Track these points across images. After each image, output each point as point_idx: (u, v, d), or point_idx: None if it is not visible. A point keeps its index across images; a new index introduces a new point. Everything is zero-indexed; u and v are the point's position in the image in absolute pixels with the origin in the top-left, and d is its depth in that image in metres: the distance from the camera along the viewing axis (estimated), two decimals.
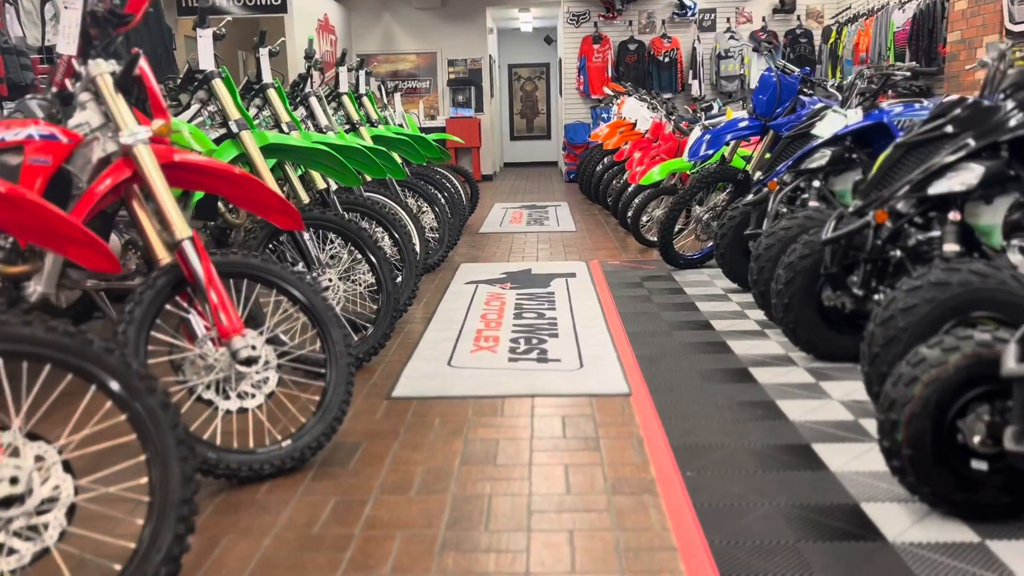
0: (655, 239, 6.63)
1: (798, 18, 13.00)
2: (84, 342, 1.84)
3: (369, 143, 5.17)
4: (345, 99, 5.70)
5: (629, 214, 7.18)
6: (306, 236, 3.71)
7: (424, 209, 6.33)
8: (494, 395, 3.39)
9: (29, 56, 5.72)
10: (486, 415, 3.17)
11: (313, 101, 5.02)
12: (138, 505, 1.87)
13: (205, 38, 3.52)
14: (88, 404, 1.86)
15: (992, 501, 2.20)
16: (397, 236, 4.37)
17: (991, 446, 2.15)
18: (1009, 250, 2.86)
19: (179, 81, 3.95)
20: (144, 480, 1.87)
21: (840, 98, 4.79)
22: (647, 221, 6.92)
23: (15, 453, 1.72)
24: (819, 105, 4.72)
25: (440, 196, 6.37)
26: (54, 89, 2.85)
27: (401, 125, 7.74)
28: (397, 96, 8.36)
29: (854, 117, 4.30)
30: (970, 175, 2.84)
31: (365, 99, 6.25)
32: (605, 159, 9.44)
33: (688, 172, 6.46)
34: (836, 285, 3.41)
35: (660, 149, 7.44)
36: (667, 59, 13.13)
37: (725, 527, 2.25)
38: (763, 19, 13.06)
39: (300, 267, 3.75)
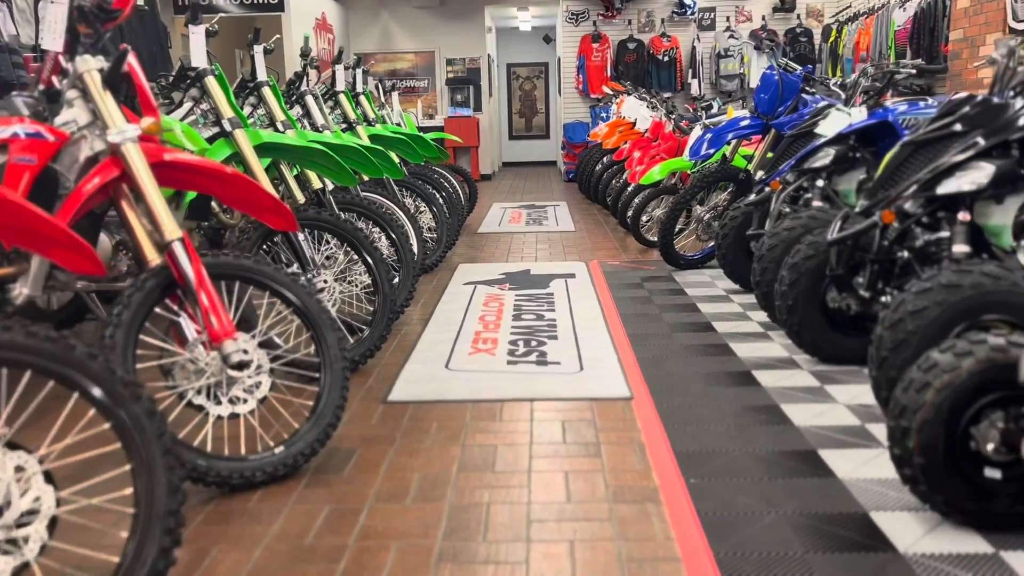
0: (655, 239, 6.57)
1: (798, 17, 12.93)
2: (66, 347, 1.77)
3: (366, 142, 5.10)
4: (342, 98, 5.63)
5: (629, 214, 7.11)
6: (301, 237, 3.64)
7: (422, 209, 6.26)
8: (492, 399, 3.32)
9: (22, 54, 5.65)
10: (484, 420, 3.10)
11: (309, 100, 4.95)
12: (122, 517, 1.79)
13: (197, 35, 3.45)
14: (71, 412, 1.79)
15: (1006, 510, 2.13)
16: (394, 236, 4.30)
17: (1005, 454, 2.09)
18: (1020, 251, 2.79)
19: (171, 79, 3.88)
20: (129, 491, 1.80)
21: (843, 97, 4.73)
22: (647, 221, 6.85)
23: None
24: (823, 104, 4.65)
25: (438, 196, 6.30)
26: (41, 86, 2.78)
27: (399, 124, 7.67)
28: (395, 95, 8.29)
29: (858, 116, 4.23)
30: (980, 174, 2.78)
31: (362, 98, 6.18)
32: (604, 158, 9.37)
33: (688, 171, 6.39)
34: (842, 287, 3.34)
35: (660, 148, 7.37)
36: (666, 58, 13.06)
37: (731, 537, 2.18)
38: (763, 18, 12.99)
39: (295, 268, 3.68)
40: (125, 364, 2.38)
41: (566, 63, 13.68)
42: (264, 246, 3.69)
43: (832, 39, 11.23)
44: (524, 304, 5.00)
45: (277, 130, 4.12)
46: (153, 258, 2.51)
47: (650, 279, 5.64)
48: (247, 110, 4.41)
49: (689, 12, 13.04)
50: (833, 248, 3.30)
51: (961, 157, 2.83)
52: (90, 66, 2.50)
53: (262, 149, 3.69)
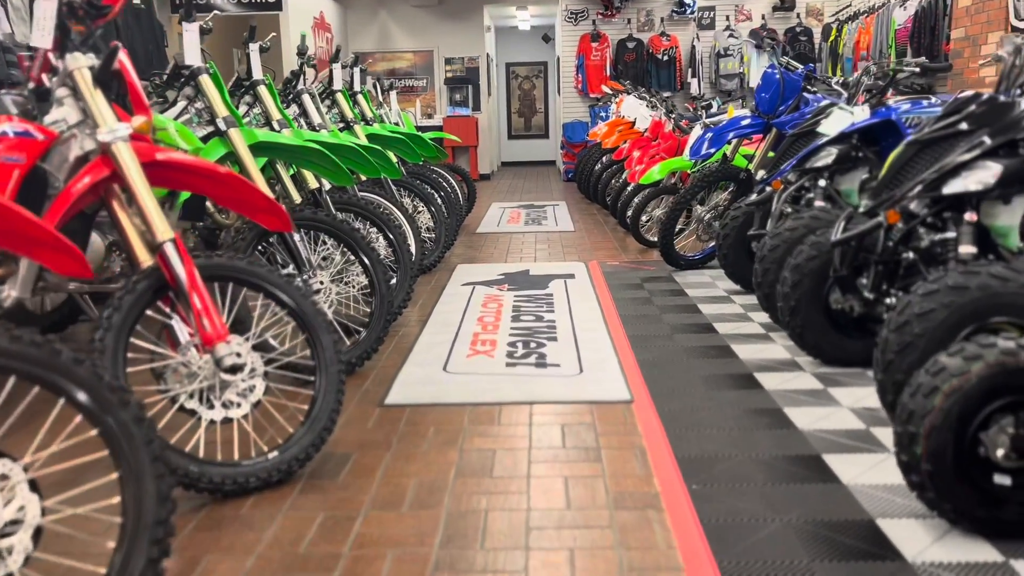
0: (655, 239, 6.52)
1: (797, 16, 12.88)
2: (51, 352, 1.72)
3: (364, 141, 5.05)
4: (339, 97, 5.58)
5: (629, 214, 7.07)
6: (296, 237, 3.59)
7: (420, 209, 6.21)
8: (491, 402, 3.27)
9: (16, 53, 5.60)
10: (482, 423, 3.05)
11: (306, 99, 4.90)
12: (109, 527, 1.74)
13: (191, 32, 3.40)
14: (56, 418, 1.74)
15: (1016, 518, 2.08)
16: (392, 237, 4.25)
17: (1015, 460, 2.04)
18: None
19: (165, 77, 3.83)
20: (116, 500, 1.74)
21: (844, 95, 4.68)
22: (647, 221, 6.80)
23: None
24: (825, 102, 4.60)
25: (436, 196, 6.25)
26: (31, 84, 2.73)
27: (397, 123, 7.62)
28: (393, 94, 8.24)
29: (861, 114, 4.18)
30: (987, 174, 2.72)
31: (360, 97, 6.13)
32: (604, 158, 9.32)
33: (689, 171, 6.34)
34: (845, 288, 3.29)
35: (660, 148, 7.32)
36: (666, 57, 13.01)
37: (734, 545, 2.13)
38: (762, 17, 12.94)
39: (291, 269, 3.63)
40: (115, 368, 2.33)
41: (565, 62, 13.63)
42: (259, 247, 3.64)
43: (832, 38, 11.18)
44: (523, 305, 4.95)
45: (273, 129, 4.07)
46: (145, 259, 2.46)
47: (650, 279, 5.59)
48: (243, 109, 4.36)
49: (688, 11, 12.99)
50: (837, 249, 3.25)
51: (967, 156, 2.78)
52: (80, 63, 2.45)
53: (257, 148, 3.64)
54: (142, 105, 2.60)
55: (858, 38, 10.14)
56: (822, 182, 4.24)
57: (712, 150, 5.73)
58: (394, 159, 5.39)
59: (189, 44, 3.41)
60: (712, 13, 13.12)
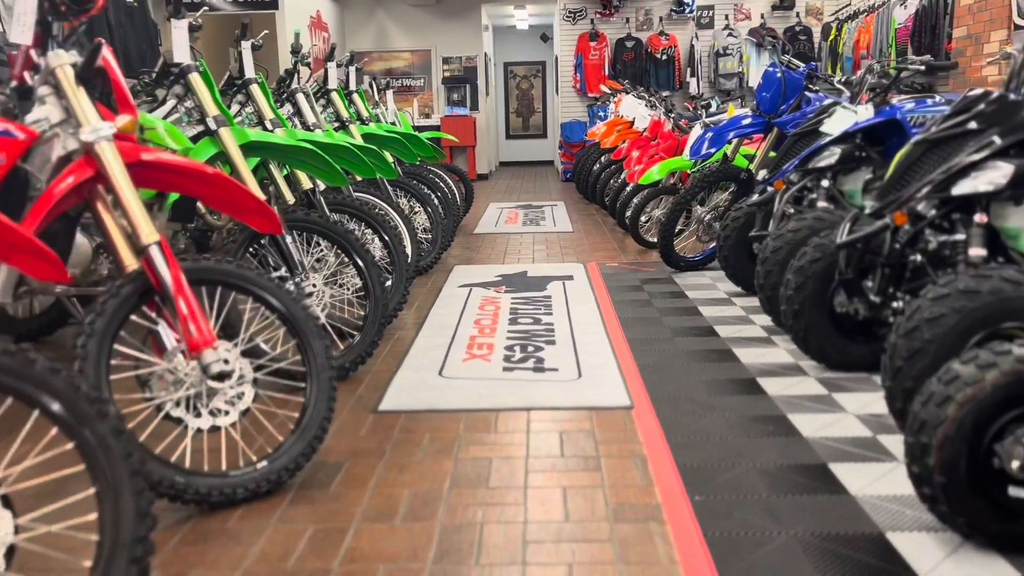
0: (654, 240, 6.44)
1: (797, 15, 12.81)
2: (25, 361, 1.64)
3: (359, 141, 4.97)
4: (334, 96, 5.50)
5: (628, 214, 6.99)
6: (289, 239, 3.51)
7: (416, 210, 6.13)
8: (487, 408, 3.19)
9: (6, 52, 5.51)
10: (479, 431, 2.97)
11: (300, 98, 4.81)
12: (87, 545, 1.66)
13: (180, 29, 3.32)
14: (31, 431, 1.66)
15: None
16: (387, 238, 4.17)
17: None
18: None
19: (154, 75, 3.75)
20: (93, 517, 1.66)
21: (846, 94, 4.61)
22: (646, 221, 6.73)
23: None
24: (828, 101, 4.52)
25: (433, 196, 6.16)
26: (13, 83, 2.65)
27: (393, 123, 7.54)
28: (389, 93, 8.16)
29: (865, 113, 4.10)
30: (997, 174, 2.65)
31: (355, 96, 6.05)
32: (602, 158, 9.25)
33: (688, 171, 6.27)
34: (851, 291, 3.21)
35: (659, 148, 7.24)
36: (665, 56, 12.94)
37: (739, 560, 2.05)
38: (761, 16, 12.86)
39: (283, 272, 3.54)
40: (98, 375, 2.25)
41: (563, 62, 13.55)
42: (251, 249, 3.56)
43: (832, 37, 11.10)
44: (521, 307, 4.87)
45: (266, 129, 3.99)
46: (130, 263, 2.38)
47: (649, 281, 5.51)
48: (234, 108, 4.27)
49: (687, 10, 12.91)
50: (842, 251, 3.17)
51: (977, 156, 2.71)
52: (63, 61, 2.37)
53: (249, 148, 3.55)
54: (127, 104, 2.52)
55: (858, 37, 10.07)
56: (825, 182, 4.17)
57: (712, 150, 5.65)
58: (390, 159, 5.32)
59: (178, 41, 3.32)
60: (711, 12, 13.05)
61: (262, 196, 3.48)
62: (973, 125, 2.80)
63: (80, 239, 3.23)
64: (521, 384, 3.47)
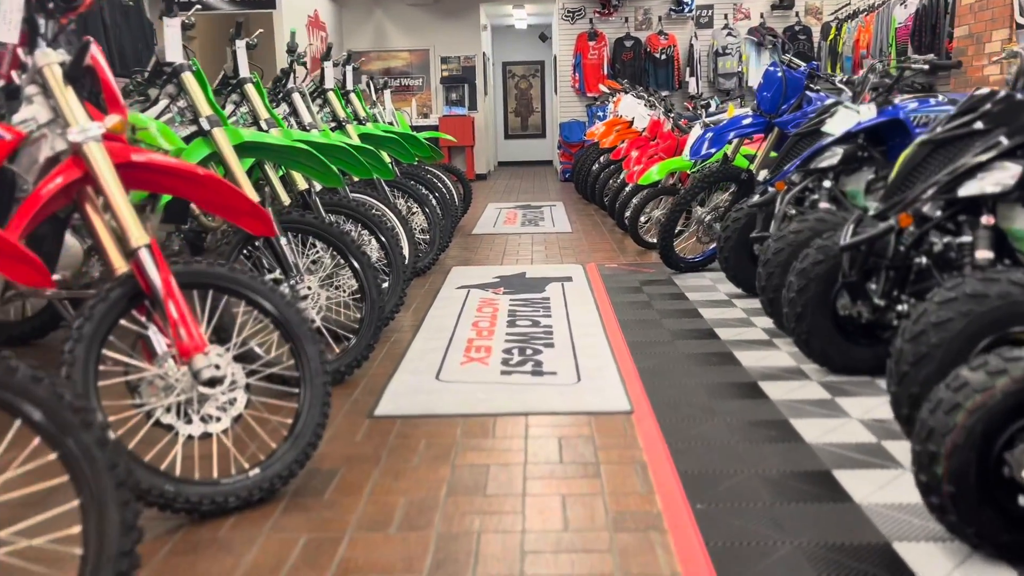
0: (654, 241, 6.39)
1: (796, 14, 12.76)
2: (5, 369, 1.59)
3: (356, 141, 4.91)
4: (331, 95, 5.44)
5: (627, 215, 6.94)
6: (283, 241, 3.45)
7: (414, 210, 6.08)
8: (485, 413, 3.14)
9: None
10: (476, 436, 2.92)
11: (296, 97, 4.76)
12: (70, 559, 1.61)
13: (172, 28, 3.27)
14: (12, 441, 1.61)
15: None
16: (384, 239, 4.12)
17: None
18: None
19: (147, 74, 3.69)
20: (77, 529, 1.61)
21: (848, 93, 4.56)
22: (645, 222, 6.68)
23: None
24: (830, 101, 4.47)
25: (431, 197, 6.11)
26: (0, 82, 2.60)
27: (391, 123, 7.49)
28: (387, 93, 8.11)
29: (867, 113, 4.05)
30: (1005, 175, 2.60)
31: (352, 95, 6.00)
32: (601, 158, 9.20)
33: (688, 171, 6.21)
34: (855, 294, 3.16)
35: (658, 148, 7.19)
36: (664, 56, 12.89)
37: (743, 571, 2.00)
38: (761, 15, 12.81)
39: (278, 274, 3.49)
40: (85, 381, 2.20)
41: (562, 61, 13.50)
42: (245, 251, 3.51)
43: (831, 37, 11.06)
44: (519, 309, 4.82)
45: (261, 129, 3.93)
46: (120, 266, 2.33)
47: (649, 282, 5.46)
48: (230, 108, 4.22)
49: (687, 10, 12.86)
50: (846, 253, 3.12)
51: (984, 157, 2.66)
52: (50, 59, 2.31)
53: (243, 149, 3.50)
54: (117, 103, 2.47)
55: (858, 36, 10.02)
56: (827, 183, 4.12)
57: (712, 150, 5.60)
58: (387, 159, 5.27)
59: (170, 40, 3.27)
60: (710, 11, 13.00)
61: (256, 197, 3.44)
62: (979, 125, 2.75)
63: (71, 241, 3.18)
64: (519, 388, 3.42)
